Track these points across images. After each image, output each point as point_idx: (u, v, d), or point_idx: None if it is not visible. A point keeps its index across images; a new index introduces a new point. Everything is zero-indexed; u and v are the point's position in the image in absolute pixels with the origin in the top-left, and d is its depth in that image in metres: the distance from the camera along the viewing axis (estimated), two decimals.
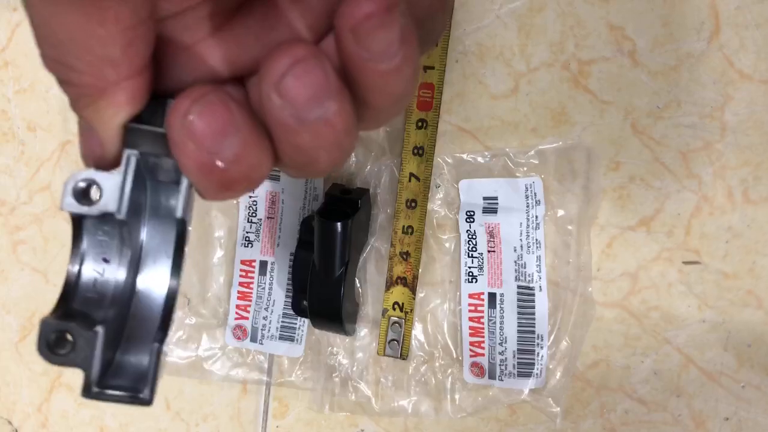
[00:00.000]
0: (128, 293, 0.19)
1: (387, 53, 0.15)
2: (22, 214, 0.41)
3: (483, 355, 0.37)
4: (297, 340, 0.39)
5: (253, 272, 0.39)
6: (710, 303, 0.37)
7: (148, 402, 0.18)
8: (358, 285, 0.38)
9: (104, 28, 0.15)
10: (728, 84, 0.35)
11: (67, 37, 0.15)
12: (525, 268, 0.36)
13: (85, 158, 0.19)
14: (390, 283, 0.37)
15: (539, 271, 0.36)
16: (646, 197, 0.36)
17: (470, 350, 0.37)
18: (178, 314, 0.40)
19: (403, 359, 0.38)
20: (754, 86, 0.35)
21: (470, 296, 0.37)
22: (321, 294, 0.35)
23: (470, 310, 0.37)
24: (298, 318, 0.39)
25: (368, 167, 0.37)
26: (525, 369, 0.37)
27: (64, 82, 0.17)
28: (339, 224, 0.33)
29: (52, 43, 0.16)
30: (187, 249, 0.19)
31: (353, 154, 0.37)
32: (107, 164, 0.18)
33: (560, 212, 0.36)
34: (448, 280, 0.38)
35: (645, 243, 0.37)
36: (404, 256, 0.37)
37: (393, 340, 0.37)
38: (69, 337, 0.17)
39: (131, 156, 0.17)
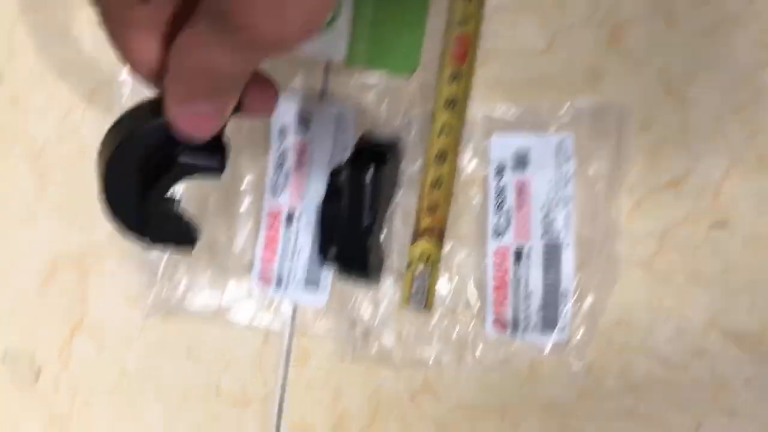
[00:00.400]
0: None
1: None
2: (50, 155, 0.41)
3: (507, 309, 0.37)
4: (322, 289, 0.39)
5: (279, 221, 0.39)
6: (737, 267, 0.37)
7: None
8: (385, 237, 0.38)
9: None
10: (765, 48, 0.35)
11: None
12: (552, 225, 0.36)
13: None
14: (416, 236, 0.37)
15: (567, 228, 0.36)
16: (677, 158, 0.36)
17: (494, 305, 0.38)
18: (203, 260, 0.40)
19: (428, 311, 0.38)
20: None
21: (496, 252, 0.37)
22: (349, 245, 0.35)
23: (496, 265, 0.37)
24: (323, 268, 0.39)
25: (398, 120, 0.37)
26: (549, 324, 0.37)
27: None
28: (369, 174, 0.33)
29: None
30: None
31: (382, 106, 0.37)
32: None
33: (590, 170, 0.36)
34: (474, 235, 0.38)
35: (674, 204, 0.37)
36: (432, 210, 0.37)
37: (417, 291, 0.37)
38: None
39: None
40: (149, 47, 0.21)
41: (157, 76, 0.21)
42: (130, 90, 0.38)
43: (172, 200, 0.31)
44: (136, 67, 0.22)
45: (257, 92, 0.24)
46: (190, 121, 0.22)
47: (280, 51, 0.18)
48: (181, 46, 0.19)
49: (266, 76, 0.25)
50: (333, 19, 0.36)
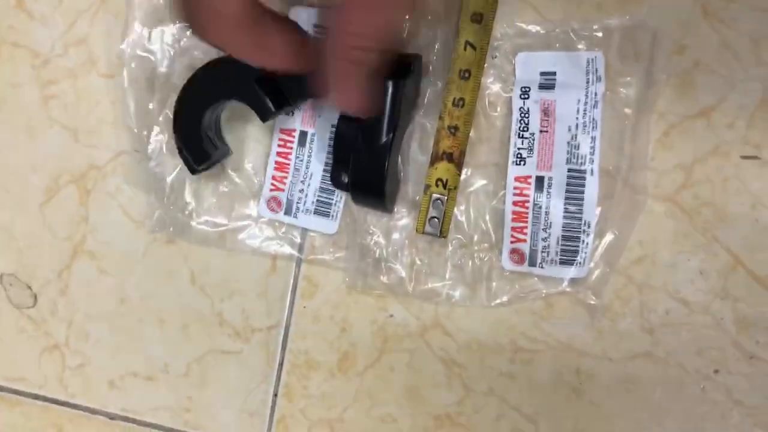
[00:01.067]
0: None
1: None
2: (54, 67, 0.39)
3: (525, 241, 0.36)
4: (332, 216, 0.38)
5: (292, 142, 0.37)
6: (766, 202, 0.35)
7: None
8: (401, 162, 0.37)
9: None
10: None
11: None
12: (578, 149, 0.35)
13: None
14: (435, 158, 0.36)
15: (592, 154, 0.35)
16: (710, 85, 0.35)
17: (512, 236, 0.36)
18: (212, 182, 0.38)
19: (443, 237, 0.36)
20: None
21: (516, 179, 0.36)
22: (364, 165, 0.34)
23: (515, 194, 0.36)
24: (335, 193, 0.37)
25: (421, 33, 0.35)
26: (568, 257, 0.35)
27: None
28: (390, 82, 0.32)
29: None
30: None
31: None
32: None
33: (620, 94, 0.35)
34: (494, 162, 0.36)
35: (704, 134, 0.35)
36: (452, 130, 0.35)
37: (434, 217, 0.36)
38: None
39: None
40: None
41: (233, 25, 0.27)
42: None
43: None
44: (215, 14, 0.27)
45: None
46: (357, 95, 0.27)
47: None
48: (332, 14, 0.25)
49: None
50: None
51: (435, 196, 0.36)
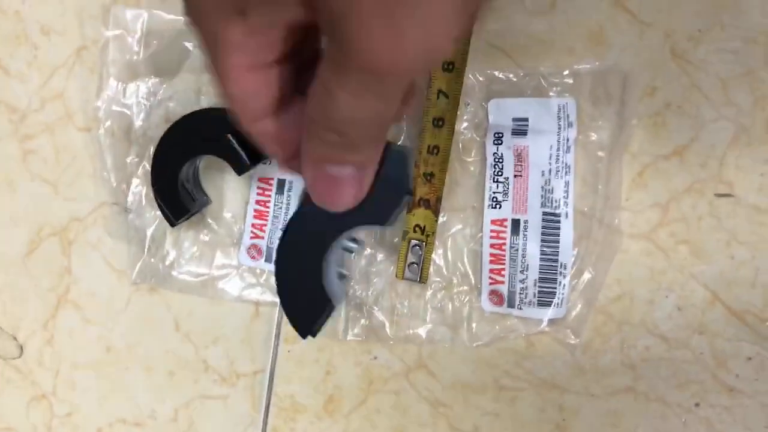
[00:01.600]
0: None
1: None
2: (32, 122, 0.39)
3: (503, 283, 0.36)
4: None
5: (270, 190, 0.38)
6: (741, 238, 0.35)
7: None
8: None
9: None
10: None
11: None
12: (552, 193, 0.35)
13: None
14: (412, 205, 0.36)
15: (566, 197, 0.35)
16: (682, 125, 0.35)
17: (490, 278, 0.36)
18: (192, 231, 0.39)
19: (422, 283, 0.37)
20: None
21: (493, 222, 0.36)
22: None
23: (492, 237, 0.36)
24: None
25: None
26: (546, 298, 0.36)
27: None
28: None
29: None
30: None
31: None
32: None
33: (592, 137, 0.35)
34: (471, 206, 0.37)
35: (677, 173, 0.35)
36: (428, 177, 0.36)
37: (413, 263, 0.36)
38: None
39: None
40: (248, 77, 0.19)
41: (261, 120, 0.20)
42: (117, 50, 0.37)
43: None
44: (234, 102, 0.20)
45: None
46: (330, 188, 0.21)
47: (401, 80, 0.17)
48: (311, 99, 0.18)
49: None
50: None
51: (413, 241, 0.36)
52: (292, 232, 0.29)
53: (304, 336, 0.30)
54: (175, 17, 0.36)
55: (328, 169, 0.20)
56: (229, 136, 0.34)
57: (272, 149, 0.21)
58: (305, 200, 0.29)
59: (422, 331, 0.38)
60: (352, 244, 0.33)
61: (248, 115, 0.20)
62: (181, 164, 0.35)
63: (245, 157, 0.34)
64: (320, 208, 0.22)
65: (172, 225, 0.36)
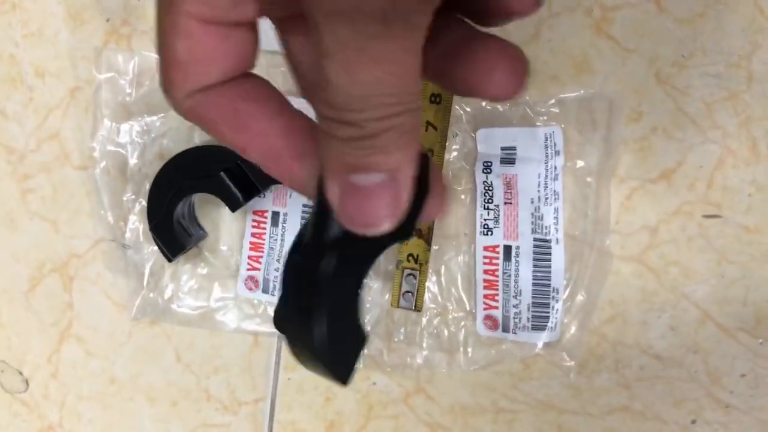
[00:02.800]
0: None
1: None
2: (30, 162, 0.40)
3: (497, 308, 0.37)
4: None
5: (265, 223, 0.38)
6: (730, 258, 0.36)
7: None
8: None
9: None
10: (757, 32, 0.34)
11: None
12: (542, 220, 0.36)
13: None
14: None
15: (556, 224, 0.35)
16: (668, 149, 0.35)
17: (484, 303, 0.37)
18: (189, 264, 0.39)
19: (417, 311, 0.37)
20: None
21: (485, 249, 0.36)
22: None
23: (485, 263, 0.37)
24: None
25: None
26: (539, 322, 0.36)
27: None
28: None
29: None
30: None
31: None
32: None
33: (579, 163, 0.35)
34: (463, 233, 0.37)
35: (665, 196, 0.36)
36: None
37: (407, 292, 0.37)
38: None
39: None
40: (201, 31, 0.15)
41: (199, 87, 0.16)
42: (110, 92, 0.37)
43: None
44: (173, 64, 0.15)
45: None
46: (357, 201, 0.15)
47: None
48: (316, 85, 0.14)
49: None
50: None
51: (407, 271, 0.37)
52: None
53: (345, 382, 0.20)
54: None
55: (353, 179, 0.15)
56: (222, 173, 0.34)
57: (220, 135, 0.16)
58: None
59: (419, 357, 0.38)
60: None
61: (187, 82, 0.15)
62: (175, 202, 0.35)
63: (238, 193, 0.34)
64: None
65: (170, 260, 0.36)
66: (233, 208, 0.35)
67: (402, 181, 0.15)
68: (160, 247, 0.36)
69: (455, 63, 0.16)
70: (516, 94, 0.16)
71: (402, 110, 0.14)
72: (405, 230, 0.18)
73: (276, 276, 0.38)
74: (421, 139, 0.35)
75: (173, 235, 0.36)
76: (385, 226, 0.16)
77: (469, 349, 0.38)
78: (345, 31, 0.13)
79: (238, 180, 0.35)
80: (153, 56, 0.37)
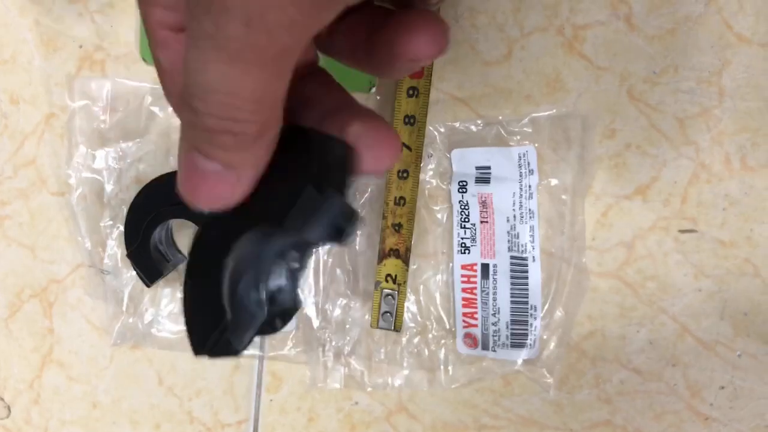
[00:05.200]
0: None
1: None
2: (6, 189, 0.40)
3: (476, 326, 0.37)
4: None
5: None
6: (707, 272, 0.36)
7: None
8: (348, 259, 0.37)
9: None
10: (726, 48, 0.34)
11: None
12: (518, 238, 0.36)
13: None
14: (382, 256, 0.36)
15: (532, 242, 0.36)
16: (642, 165, 0.36)
17: (463, 321, 0.37)
18: (169, 288, 0.39)
19: (397, 332, 0.37)
20: (753, 50, 0.34)
21: (463, 267, 0.37)
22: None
23: (463, 281, 0.37)
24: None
25: None
26: (518, 340, 0.36)
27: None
28: None
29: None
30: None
31: None
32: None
33: (554, 181, 0.35)
34: (440, 252, 0.37)
35: (641, 212, 0.36)
36: (396, 228, 0.36)
37: (386, 312, 0.37)
38: None
39: None
40: (176, 41, 0.16)
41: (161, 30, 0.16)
42: (84, 119, 0.37)
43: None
44: (160, 71, 0.17)
45: (370, 136, 0.18)
46: (196, 181, 0.16)
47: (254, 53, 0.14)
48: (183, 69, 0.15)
49: (380, 119, 0.18)
50: None
51: (386, 291, 0.37)
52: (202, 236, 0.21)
53: (195, 354, 0.21)
54: (139, 84, 0.37)
55: (194, 157, 0.16)
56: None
57: (162, 76, 0.17)
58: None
59: (400, 377, 0.38)
60: (292, 256, 0.21)
61: (174, 91, 0.16)
62: (152, 228, 0.35)
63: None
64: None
65: (148, 286, 0.36)
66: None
67: (240, 174, 0.16)
68: (138, 273, 0.36)
69: (379, 36, 0.18)
70: (439, 52, 0.17)
71: (246, 118, 0.15)
72: (272, 216, 0.18)
73: None
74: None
75: (151, 261, 0.36)
76: (217, 206, 0.17)
77: (450, 367, 0.38)
78: (209, 24, 0.13)
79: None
80: (127, 82, 0.37)
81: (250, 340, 0.20)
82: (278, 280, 0.20)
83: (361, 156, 0.17)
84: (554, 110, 0.35)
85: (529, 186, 0.35)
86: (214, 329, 0.20)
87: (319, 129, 0.18)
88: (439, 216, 0.37)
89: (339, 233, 0.18)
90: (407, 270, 0.37)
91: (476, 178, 0.35)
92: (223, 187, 0.16)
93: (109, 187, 0.38)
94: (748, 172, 0.35)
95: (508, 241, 0.36)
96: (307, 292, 0.38)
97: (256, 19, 0.13)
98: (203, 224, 0.20)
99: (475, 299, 0.37)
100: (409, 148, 0.35)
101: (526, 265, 0.36)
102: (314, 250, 0.22)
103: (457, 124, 0.35)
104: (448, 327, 0.38)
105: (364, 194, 0.37)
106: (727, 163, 0.35)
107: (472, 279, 0.36)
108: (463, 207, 0.36)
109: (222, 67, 0.14)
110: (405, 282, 0.37)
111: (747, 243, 0.36)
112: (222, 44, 0.13)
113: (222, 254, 0.19)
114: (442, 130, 0.36)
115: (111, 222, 0.38)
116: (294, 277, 0.20)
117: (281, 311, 0.20)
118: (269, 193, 0.18)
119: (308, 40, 0.15)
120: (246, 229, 0.19)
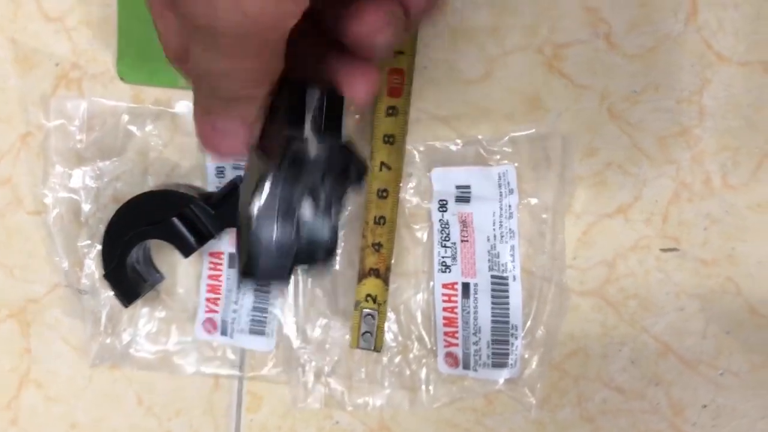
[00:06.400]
0: None
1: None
2: None
3: (457, 345, 0.36)
4: (268, 333, 0.38)
5: (221, 265, 0.38)
6: (689, 290, 0.36)
7: None
8: (329, 275, 0.37)
9: None
10: (706, 67, 0.34)
11: None
12: (498, 257, 0.35)
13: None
14: (362, 275, 0.36)
15: (513, 261, 0.35)
16: (623, 184, 0.35)
17: (444, 340, 0.37)
18: (147, 308, 0.39)
19: (377, 352, 0.37)
20: (733, 69, 0.34)
21: (444, 286, 0.36)
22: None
23: (444, 301, 0.36)
24: (269, 311, 0.38)
25: None
26: (499, 359, 0.36)
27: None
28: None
29: None
30: None
31: None
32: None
33: (534, 201, 0.35)
34: (421, 271, 0.37)
35: (622, 230, 0.36)
36: (376, 247, 0.36)
37: (366, 332, 0.36)
38: None
39: None
40: (169, 14, 0.19)
41: (182, 56, 0.20)
42: (60, 139, 0.37)
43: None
44: (160, 36, 0.20)
45: (349, 72, 0.22)
46: (210, 134, 0.21)
47: (237, 39, 0.17)
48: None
49: (360, 57, 0.21)
50: None
51: (366, 311, 0.36)
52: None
53: (243, 276, 0.26)
54: (116, 103, 0.36)
55: (210, 120, 0.21)
56: (175, 219, 0.34)
57: (169, 49, 0.21)
58: None
59: (381, 396, 0.38)
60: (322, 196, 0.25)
61: (170, 53, 0.20)
62: (129, 248, 0.35)
63: (191, 239, 0.34)
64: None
65: (125, 306, 0.36)
66: (186, 254, 0.34)
67: (245, 125, 0.21)
68: (115, 294, 0.36)
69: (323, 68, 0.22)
70: (368, 101, 0.22)
71: (248, 95, 0.19)
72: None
73: (234, 318, 0.38)
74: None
75: (128, 282, 0.35)
76: (228, 153, 0.22)
77: (431, 387, 0.38)
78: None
79: (190, 225, 0.34)
80: (103, 101, 0.36)
81: (292, 269, 0.24)
82: (311, 216, 0.24)
83: (343, 91, 0.21)
84: (534, 129, 0.35)
85: (509, 205, 0.35)
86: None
87: (312, 77, 0.21)
88: (419, 235, 0.37)
89: (343, 171, 0.23)
90: (387, 289, 0.36)
91: (456, 197, 0.35)
92: (235, 133, 0.21)
93: (86, 207, 0.37)
94: (729, 191, 0.35)
95: (489, 260, 0.35)
96: (287, 311, 0.38)
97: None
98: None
99: (456, 318, 0.36)
100: (388, 167, 0.35)
101: (507, 285, 0.35)
102: (343, 191, 0.25)
103: (436, 144, 0.35)
104: (429, 346, 0.37)
105: (343, 214, 0.36)
106: (707, 182, 0.35)
107: (453, 298, 0.36)
108: (443, 226, 0.36)
109: (219, 57, 0.18)
110: (385, 301, 0.36)
111: (729, 261, 0.35)
112: (204, 38, 0.17)
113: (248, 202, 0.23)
114: (422, 149, 0.35)
115: (89, 241, 0.38)
116: (326, 212, 0.24)
117: (320, 245, 0.24)
118: (273, 141, 0.22)
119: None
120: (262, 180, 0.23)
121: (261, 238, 0.23)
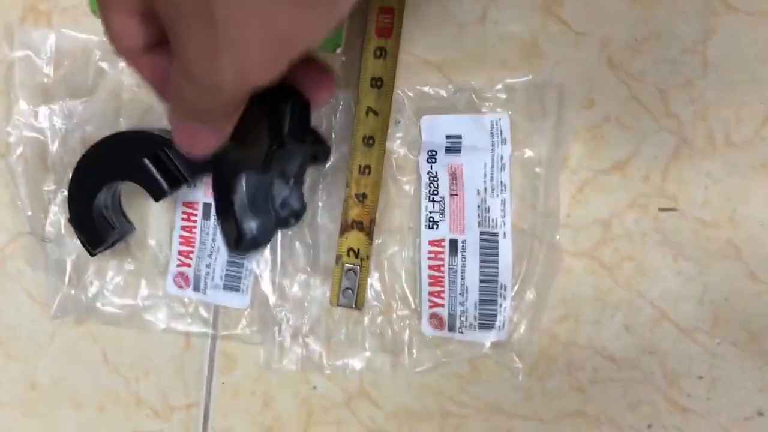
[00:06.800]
0: None
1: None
2: None
3: (443, 305, 0.35)
4: (243, 290, 0.36)
5: (196, 215, 0.36)
6: (687, 253, 0.34)
7: None
8: (308, 230, 0.35)
9: None
10: (712, 16, 0.32)
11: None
12: (489, 212, 0.33)
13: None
14: (345, 228, 0.34)
15: (504, 216, 0.33)
16: (622, 138, 0.34)
17: (429, 301, 0.35)
18: (115, 260, 0.36)
19: (358, 309, 0.35)
20: (740, 18, 0.32)
21: (431, 243, 0.34)
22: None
23: (430, 258, 0.34)
24: (244, 266, 0.36)
25: None
26: (487, 321, 0.34)
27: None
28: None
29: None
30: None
31: None
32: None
33: (528, 153, 0.33)
34: (407, 226, 0.35)
35: (619, 188, 0.34)
36: (361, 198, 0.34)
37: (347, 288, 0.34)
38: None
39: None
40: (124, 18, 0.20)
41: (136, 56, 0.21)
42: (26, 72, 0.35)
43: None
44: (112, 35, 0.21)
45: (312, 79, 0.24)
46: (186, 138, 0.23)
47: (227, 96, 0.19)
48: (171, 77, 0.20)
49: (320, 63, 0.24)
50: None
51: (347, 266, 0.34)
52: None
53: (229, 249, 0.30)
54: (87, 36, 0.34)
55: (185, 126, 0.22)
56: (146, 160, 0.32)
57: (147, 81, 0.23)
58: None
59: (361, 359, 0.36)
60: (289, 174, 0.30)
61: (124, 50, 0.21)
62: (96, 192, 0.33)
63: (162, 181, 0.32)
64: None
65: (92, 255, 0.34)
66: (157, 198, 0.32)
67: (222, 131, 0.23)
68: (81, 240, 0.34)
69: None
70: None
71: (224, 115, 0.22)
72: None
73: (207, 272, 0.36)
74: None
75: (94, 226, 0.33)
76: (207, 152, 0.23)
77: (414, 350, 0.36)
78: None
79: (163, 168, 0.32)
80: (73, 34, 0.34)
81: (271, 235, 0.30)
82: (283, 192, 0.29)
83: (307, 96, 0.24)
84: (530, 77, 0.33)
85: (502, 156, 0.33)
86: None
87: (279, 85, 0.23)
88: (406, 188, 0.35)
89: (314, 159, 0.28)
90: (371, 244, 0.34)
91: (446, 147, 0.33)
92: (209, 139, 0.23)
93: (53, 149, 0.35)
94: (732, 149, 0.33)
95: (479, 215, 0.34)
96: (263, 266, 0.36)
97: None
98: (215, 166, 0.29)
99: (443, 277, 0.34)
100: (375, 113, 0.33)
101: (497, 241, 0.33)
102: (306, 167, 0.30)
103: (426, 89, 0.33)
104: (413, 307, 0.35)
105: (327, 163, 0.34)
106: (710, 138, 0.33)
107: (439, 256, 0.34)
108: (432, 178, 0.34)
109: (208, 101, 0.20)
110: (368, 257, 0.34)
111: (729, 224, 0.34)
112: (198, 89, 0.19)
113: (230, 190, 0.28)
114: (411, 95, 0.33)
115: (54, 186, 0.35)
116: (295, 186, 0.29)
117: (292, 212, 0.30)
118: (250, 143, 0.25)
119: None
120: (242, 171, 0.28)
121: (243, 219, 0.28)
